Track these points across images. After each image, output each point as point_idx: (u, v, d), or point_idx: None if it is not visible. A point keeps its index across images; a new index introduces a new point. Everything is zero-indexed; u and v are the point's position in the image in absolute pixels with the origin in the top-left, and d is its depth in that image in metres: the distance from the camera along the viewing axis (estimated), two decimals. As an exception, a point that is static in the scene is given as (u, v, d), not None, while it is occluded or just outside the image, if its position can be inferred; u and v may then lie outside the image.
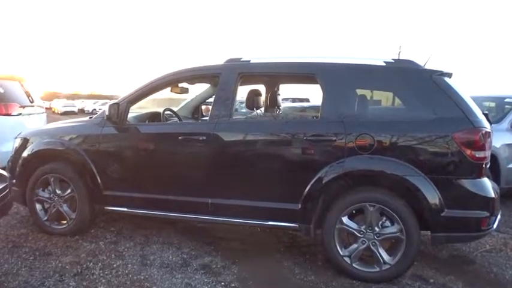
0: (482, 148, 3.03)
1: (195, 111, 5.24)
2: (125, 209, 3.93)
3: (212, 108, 3.70)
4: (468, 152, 3.02)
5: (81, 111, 42.22)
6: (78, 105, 44.41)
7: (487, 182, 3.13)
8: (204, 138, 3.57)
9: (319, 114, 3.43)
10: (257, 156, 3.51)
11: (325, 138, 3.30)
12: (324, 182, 3.26)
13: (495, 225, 3.18)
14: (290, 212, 3.40)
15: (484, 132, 3.04)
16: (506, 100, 6.15)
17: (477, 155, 3.02)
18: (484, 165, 3.08)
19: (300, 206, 3.35)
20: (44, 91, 71.12)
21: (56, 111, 41.21)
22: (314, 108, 5.99)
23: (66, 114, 38.04)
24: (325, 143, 3.29)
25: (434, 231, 3.12)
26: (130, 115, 4.10)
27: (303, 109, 5.26)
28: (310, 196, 3.32)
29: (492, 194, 3.10)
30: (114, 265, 3.44)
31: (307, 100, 18.31)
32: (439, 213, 3.06)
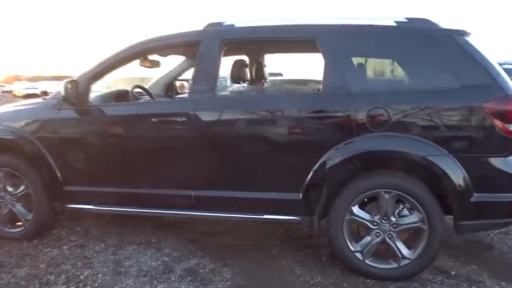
0: (516, 120, 2.57)
1: (169, 88, 4.58)
2: (92, 207, 3.32)
3: (192, 84, 3.09)
4: (500, 125, 2.55)
5: (44, 94, 40.23)
6: (41, 87, 42.20)
7: (520, 160, 2.68)
8: (184, 119, 2.97)
9: (321, 87, 2.88)
10: (248, 138, 2.95)
11: (329, 114, 2.77)
12: (329, 167, 2.75)
13: None
14: (290, 203, 2.88)
15: None
16: (505, 67, 5.76)
17: (511, 128, 2.56)
18: (516, 140, 2.63)
19: (301, 195, 2.83)
20: (5, 75, 67.52)
21: (17, 94, 39.08)
22: (301, 82, 5.43)
23: (28, 97, 36.14)
24: (330, 121, 2.77)
25: (461, 219, 2.67)
26: (92, 94, 3.45)
27: (295, 82, 4.73)
28: (313, 184, 2.80)
29: None
30: (81, 276, 2.85)
31: (280, 75, 17.57)
32: (467, 199, 2.60)
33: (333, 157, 2.74)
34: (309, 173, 2.79)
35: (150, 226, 3.70)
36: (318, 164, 2.77)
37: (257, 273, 2.92)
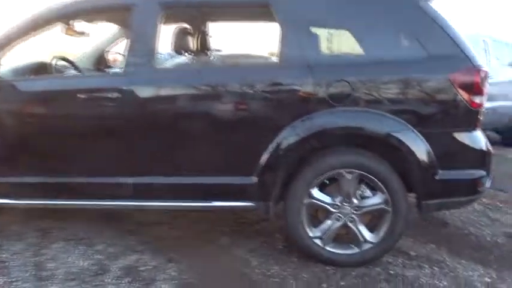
0: (481, 92, 2.42)
1: (99, 61, 4.02)
2: (8, 201, 2.79)
3: (127, 55, 2.64)
4: (466, 97, 2.38)
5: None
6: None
7: (482, 135, 2.56)
8: (117, 95, 2.53)
9: (276, 58, 2.57)
10: (194, 117, 2.58)
11: (286, 88, 2.46)
12: (285, 146, 2.46)
13: (489, 184, 2.65)
14: (243, 188, 2.57)
15: (484, 73, 2.42)
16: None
17: (477, 101, 2.41)
18: (480, 114, 2.49)
19: (255, 179, 2.53)
20: None
21: None
22: (246, 56, 5.05)
23: None
24: (286, 95, 2.46)
25: (425, 198, 2.50)
26: (2, 68, 2.89)
27: (240, 56, 4.34)
28: (268, 166, 2.50)
29: (489, 149, 2.55)
30: (-7, 286, 2.37)
31: (219, 51, 16.86)
32: (432, 176, 2.44)
33: (289, 135, 2.45)
34: (263, 154, 2.49)
35: (80, 219, 3.23)
36: (273, 144, 2.47)
37: (207, 268, 2.60)
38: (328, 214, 2.57)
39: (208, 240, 2.95)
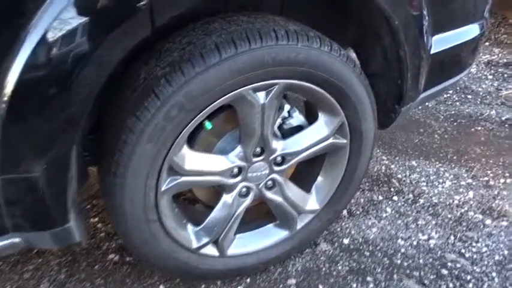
0: None
1: None
2: None
3: None
4: None
5: None
6: None
7: None
8: None
9: None
10: None
11: None
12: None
13: None
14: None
15: None
16: None
17: None
18: None
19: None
20: None
21: None
22: None
23: None
24: None
25: (410, 96, 1.19)
26: None
27: None
28: (22, 123, 0.75)
29: None
30: None
31: None
32: (426, 51, 1.12)
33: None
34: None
35: None
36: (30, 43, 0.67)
37: None
38: (222, 191, 1.08)
39: None
